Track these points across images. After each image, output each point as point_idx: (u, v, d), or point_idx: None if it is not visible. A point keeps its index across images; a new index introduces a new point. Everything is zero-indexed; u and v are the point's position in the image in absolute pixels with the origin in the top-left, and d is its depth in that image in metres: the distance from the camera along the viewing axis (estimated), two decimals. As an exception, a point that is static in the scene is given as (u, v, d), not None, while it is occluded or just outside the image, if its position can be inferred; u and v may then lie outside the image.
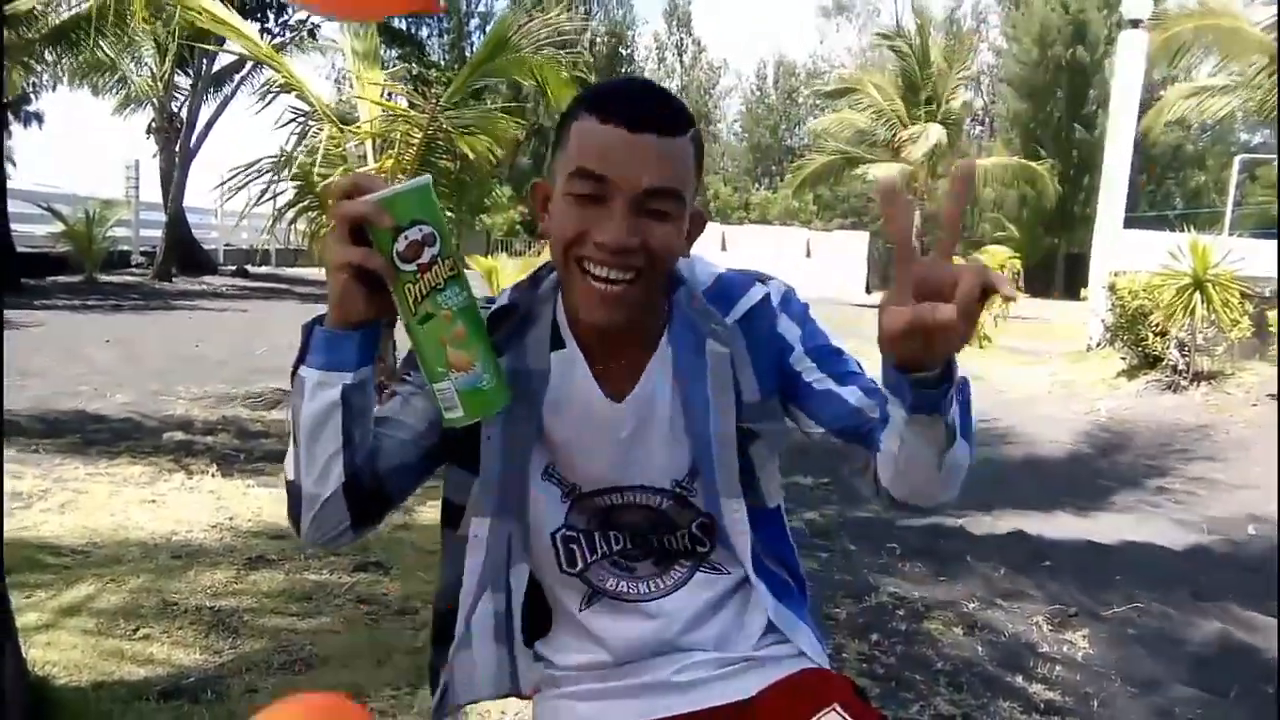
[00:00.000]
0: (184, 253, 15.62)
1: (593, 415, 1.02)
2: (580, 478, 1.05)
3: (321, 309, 0.93)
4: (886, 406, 0.90)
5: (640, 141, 0.89)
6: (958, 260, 0.79)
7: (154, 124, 15.69)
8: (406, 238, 0.80)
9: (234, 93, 16.06)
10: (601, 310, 0.92)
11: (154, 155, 15.97)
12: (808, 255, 25.57)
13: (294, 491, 0.97)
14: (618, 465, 1.03)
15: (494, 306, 1.03)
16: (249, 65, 15.07)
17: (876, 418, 0.96)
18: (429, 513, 3.54)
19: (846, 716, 0.96)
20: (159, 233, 15.10)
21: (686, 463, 1.03)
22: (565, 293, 1.00)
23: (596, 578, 1.08)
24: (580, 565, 1.07)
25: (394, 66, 13.90)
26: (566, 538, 1.06)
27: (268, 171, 5.36)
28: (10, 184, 13.28)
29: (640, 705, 1.06)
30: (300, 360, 0.92)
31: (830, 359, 1.03)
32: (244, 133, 8.38)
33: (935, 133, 18.88)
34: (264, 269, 18.03)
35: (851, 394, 1.00)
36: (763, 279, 1.07)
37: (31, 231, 13.70)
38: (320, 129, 5.44)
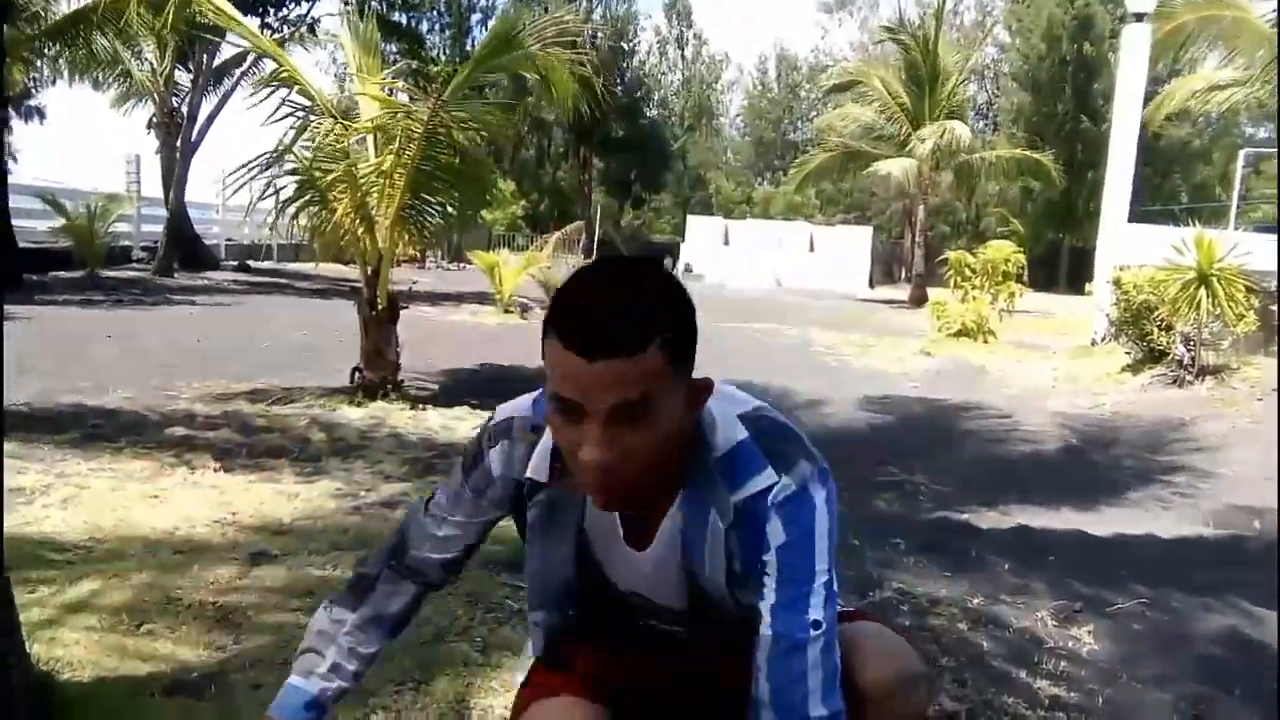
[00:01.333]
0: (186, 248, 15.61)
1: (618, 554, 1.16)
2: (614, 579, 1.20)
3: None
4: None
5: (600, 369, 0.92)
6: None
7: (155, 119, 15.67)
8: None
9: (234, 87, 16.05)
10: (602, 503, 1.05)
11: (155, 151, 15.96)
12: (811, 250, 25.54)
13: None
14: (644, 590, 1.18)
15: (531, 475, 1.14)
16: (249, 59, 15.07)
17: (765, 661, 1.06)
18: (432, 508, 3.53)
19: None
20: (160, 228, 15.09)
21: (695, 597, 1.16)
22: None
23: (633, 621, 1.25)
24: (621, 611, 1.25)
25: (394, 61, 13.89)
26: (622, 605, 1.23)
27: (269, 167, 5.35)
28: (11, 179, 13.27)
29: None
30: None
31: (792, 579, 1.06)
32: (245, 128, 8.36)
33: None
34: (266, 264, 18.02)
35: (766, 628, 1.06)
36: (781, 466, 1.06)
37: (33, 227, 13.69)
38: (321, 123, 5.42)
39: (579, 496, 1.11)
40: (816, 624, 1.05)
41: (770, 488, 1.05)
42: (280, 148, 5.34)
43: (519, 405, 1.16)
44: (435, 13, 29.44)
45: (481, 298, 13.34)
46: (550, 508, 1.12)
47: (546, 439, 1.10)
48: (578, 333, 0.93)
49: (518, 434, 1.13)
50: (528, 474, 1.11)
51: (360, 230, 5.59)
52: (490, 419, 1.19)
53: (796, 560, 1.05)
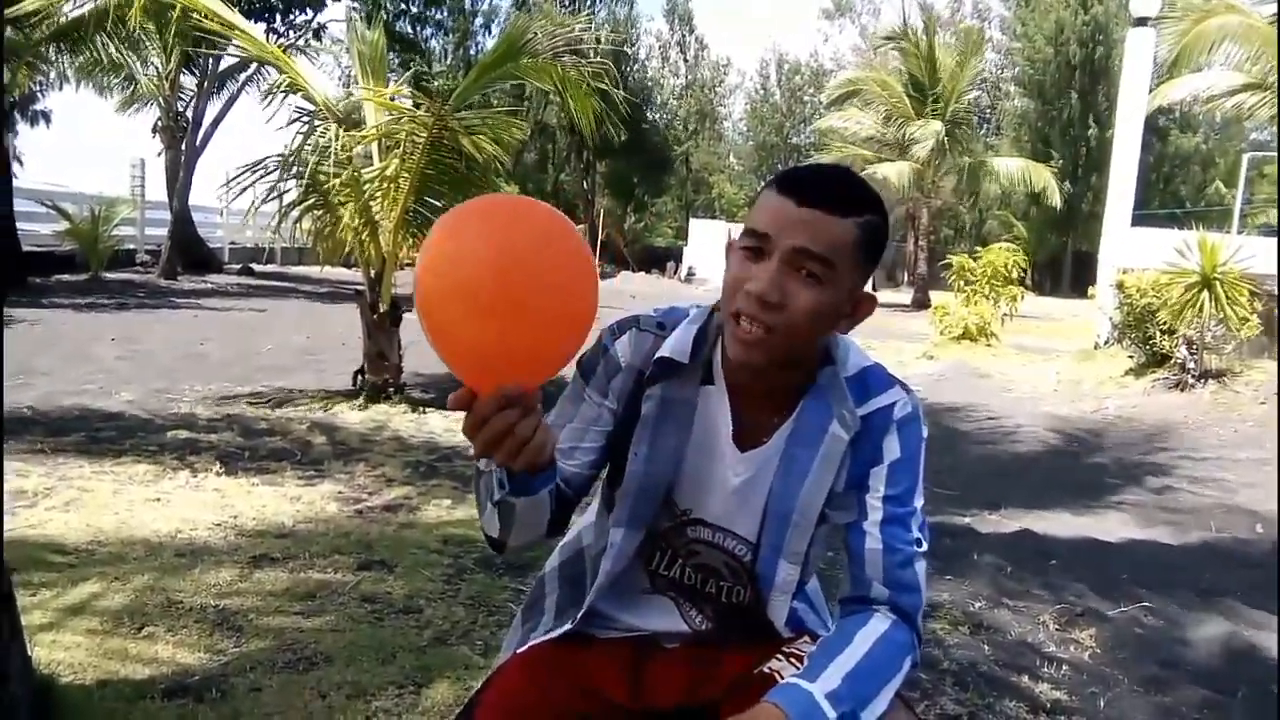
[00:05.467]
0: (189, 251, 15.63)
1: (717, 454, 1.12)
2: (689, 505, 1.15)
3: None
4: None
5: (804, 213, 1.00)
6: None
7: (160, 123, 15.71)
8: None
9: (239, 92, 16.09)
10: (742, 350, 1.02)
11: (159, 154, 15.99)
12: (813, 253, 25.48)
13: (499, 545, 1.08)
14: (720, 506, 1.14)
15: (668, 354, 1.10)
16: (255, 64, 15.09)
17: (877, 571, 1.09)
18: (432, 511, 3.54)
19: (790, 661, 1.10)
20: (164, 231, 15.12)
21: (769, 519, 1.12)
22: (725, 333, 1.08)
23: (658, 585, 1.20)
24: (654, 566, 1.19)
25: (398, 68, 13.92)
26: (657, 545, 1.18)
27: (273, 170, 5.36)
28: (16, 183, 13.31)
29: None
30: (502, 488, 0.99)
31: (898, 497, 1.11)
32: (250, 131, 8.40)
33: (933, 129, 18.86)
34: (269, 267, 18.05)
35: (875, 540, 1.10)
36: (905, 388, 1.14)
37: (37, 230, 13.74)
38: (326, 128, 5.43)
39: (694, 391, 1.11)
40: (919, 541, 1.11)
41: (895, 403, 1.12)
42: (285, 152, 5.35)
43: (637, 311, 1.17)
44: (439, 14, 29.39)
45: (484, 301, 13.32)
46: (665, 402, 1.10)
47: (684, 326, 1.11)
48: (795, 182, 1.01)
49: (645, 325, 1.14)
50: (663, 353, 1.09)
51: (364, 234, 5.60)
52: (609, 324, 1.17)
53: (904, 479, 1.11)
